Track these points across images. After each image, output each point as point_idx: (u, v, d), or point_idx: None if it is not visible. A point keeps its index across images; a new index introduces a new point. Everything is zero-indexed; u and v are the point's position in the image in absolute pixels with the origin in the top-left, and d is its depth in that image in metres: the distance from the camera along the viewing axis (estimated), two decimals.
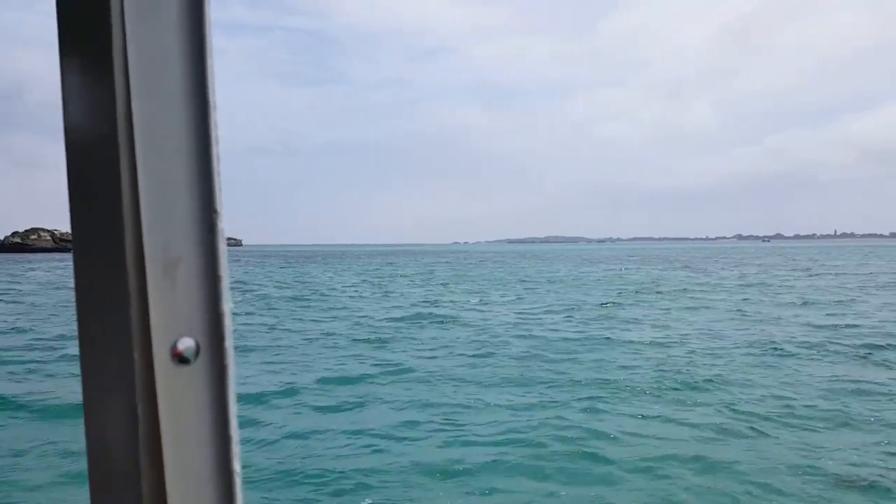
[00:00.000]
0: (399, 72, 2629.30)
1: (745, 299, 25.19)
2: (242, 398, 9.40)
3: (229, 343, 0.56)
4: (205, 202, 0.55)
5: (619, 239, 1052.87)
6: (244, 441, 7.46)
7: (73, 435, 7.71)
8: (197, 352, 0.55)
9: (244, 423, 8.25)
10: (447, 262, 79.95)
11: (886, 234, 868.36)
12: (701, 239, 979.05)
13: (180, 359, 0.54)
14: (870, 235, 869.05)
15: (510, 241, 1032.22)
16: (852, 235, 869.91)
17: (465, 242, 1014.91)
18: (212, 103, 0.55)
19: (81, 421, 0.54)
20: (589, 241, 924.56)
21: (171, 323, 0.54)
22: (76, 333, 0.54)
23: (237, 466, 0.57)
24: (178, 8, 0.53)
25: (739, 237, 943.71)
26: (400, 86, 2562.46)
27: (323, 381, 11.12)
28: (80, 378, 0.55)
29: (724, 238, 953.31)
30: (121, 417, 0.54)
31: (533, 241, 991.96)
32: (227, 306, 0.56)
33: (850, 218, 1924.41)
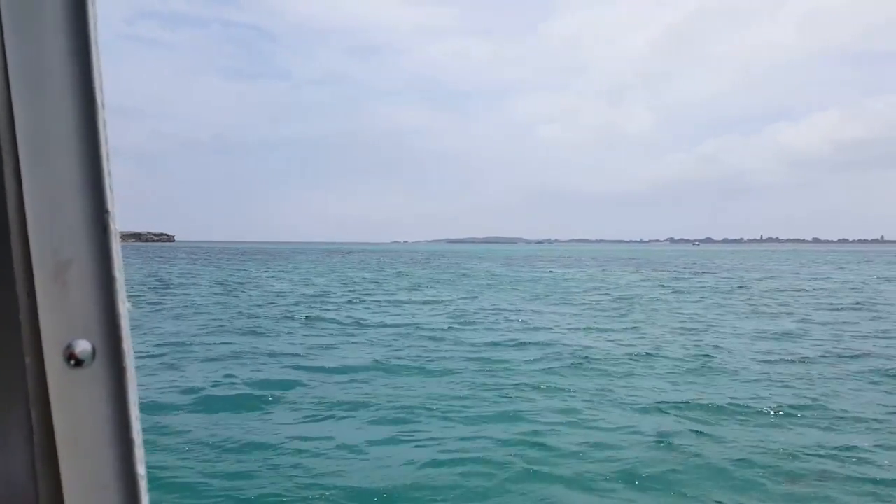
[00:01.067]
0: (343, 69, 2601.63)
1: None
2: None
3: (128, 345, 0.54)
4: (96, 203, 0.53)
5: (557, 240, 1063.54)
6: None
7: None
8: (93, 354, 0.53)
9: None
10: (390, 262, 76.07)
11: (809, 238, 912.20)
12: (636, 242, 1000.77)
13: (75, 362, 0.52)
14: (793, 240, 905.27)
15: (450, 241, 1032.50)
16: (777, 240, 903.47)
17: (406, 242, 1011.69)
18: (99, 102, 0.53)
19: None
20: (528, 242, 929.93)
21: (64, 326, 0.52)
22: None
23: (142, 470, 0.55)
24: (59, 8, 0.51)
25: (672, 241, 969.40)
26: (342, 83, 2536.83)
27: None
28: None
29: (658, 241, 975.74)
30: (15, 423, 0.52)
31: (473, 241, 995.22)
32: (124, 307, 0.54)
33: (776, 224, 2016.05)
